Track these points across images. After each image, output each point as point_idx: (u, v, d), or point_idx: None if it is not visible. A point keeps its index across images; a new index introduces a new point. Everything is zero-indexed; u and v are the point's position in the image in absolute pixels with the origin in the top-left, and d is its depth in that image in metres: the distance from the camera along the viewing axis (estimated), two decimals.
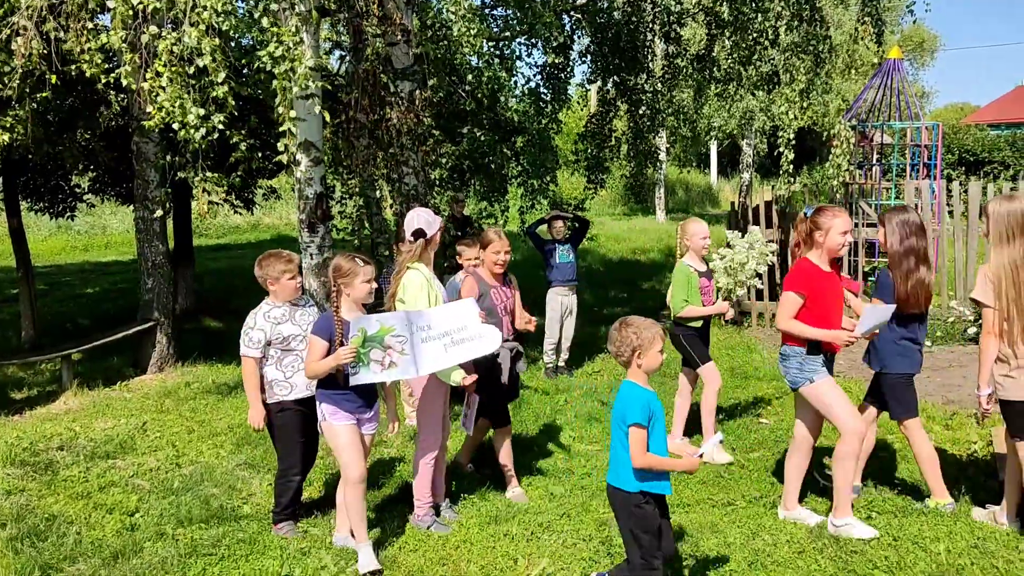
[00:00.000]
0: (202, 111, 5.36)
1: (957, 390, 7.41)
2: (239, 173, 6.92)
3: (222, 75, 5.21)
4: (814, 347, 4.50)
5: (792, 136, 9.80)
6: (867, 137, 13.40)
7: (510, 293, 5.44)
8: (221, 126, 5.42)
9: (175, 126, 5.42)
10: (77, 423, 6.92)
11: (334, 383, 4.29)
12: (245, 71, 8.58)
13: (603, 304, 12.31)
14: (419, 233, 4.75)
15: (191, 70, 5.33)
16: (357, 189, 8.75)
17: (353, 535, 4.38)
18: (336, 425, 4.31)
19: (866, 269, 12.06)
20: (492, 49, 9.46)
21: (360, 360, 4.22)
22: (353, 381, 4.24)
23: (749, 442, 6.21)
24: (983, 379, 4.36)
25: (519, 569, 4.28)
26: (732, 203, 11.16)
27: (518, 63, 8.93)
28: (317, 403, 4.38)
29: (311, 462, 5.02)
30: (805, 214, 4.68)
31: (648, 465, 3.51)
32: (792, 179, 11.91)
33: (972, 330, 9.08)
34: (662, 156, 24.39)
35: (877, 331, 4.59)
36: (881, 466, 5.57)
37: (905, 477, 5.41)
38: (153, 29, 5.41)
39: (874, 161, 13.56)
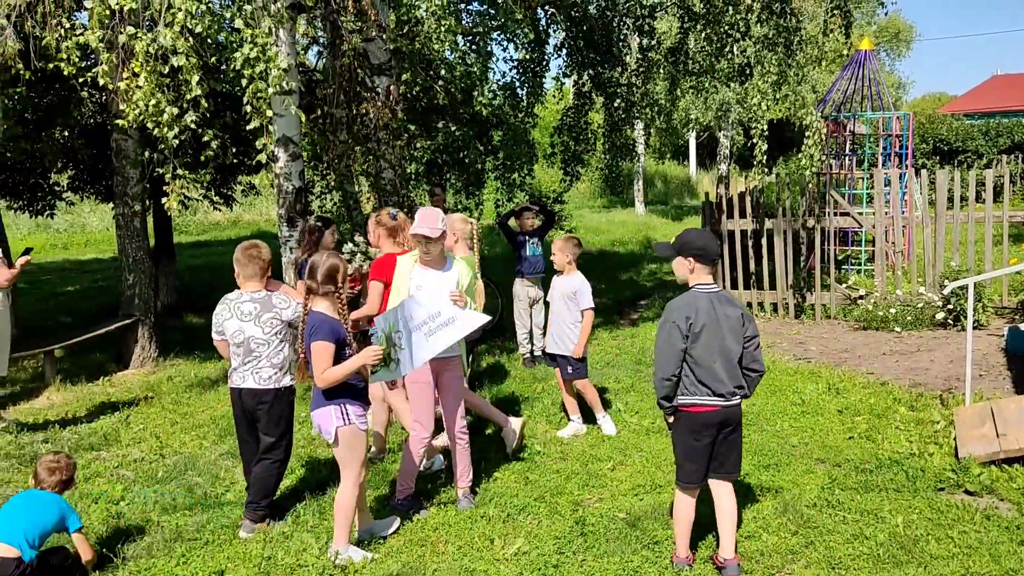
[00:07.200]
0: (176, 110, 5.45)
1: (924, 373, 7.63)
2: (210, 170, 6.99)
3: (196, 77, 5.30)
4: None
5: (765, 127, 9.96)
6: (842, 127, 13.65)
7: None
8: (194, 125, 5.50)
9: (148, 124, 5.50)
10: (61, 417, 6.99)
11: (348, 382, 4.23)
12: (223, 67, 8.65)
13: None
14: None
15: (166, 69, 5.42)
16: (335, 184, 8.85)
17: (340, 536, 4.35)
18: (362, 431, 4.28)
19: (839, 257, 12.30)
20: (466, 44, 9.58)
21: (385, 358, 4.29)
22: (373, 380, 4.30)
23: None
24: None
25: (495, 549, 4.44)
26: (706, 194, 11.34)
27: (493, 58, 9.06)
28: (335, 407, 4.21)
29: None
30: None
31: None
32: (767, 170, 12.11)
33: (940, 315, 9.32)
34: (639, 148, 24.61)
35: None
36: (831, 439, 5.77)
37: (873, 455, 5.60)
38: (130, 29, 5.49)
39: (848, 151, 13.81)
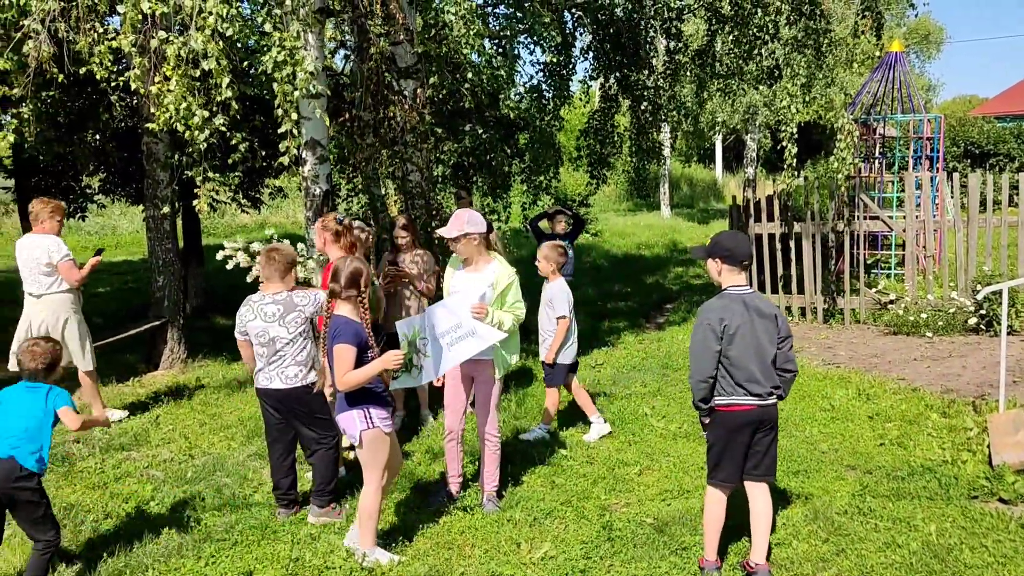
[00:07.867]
0: (206, 113, 5.50)
1: (956, 379, 7.51)
2: (238, 173, 7.03)
3: (226, 80, 5.35)
4: None
5: (794, 130, 9.85)
6: (871, 130, 13.48)
7: None
8: (223, 128, 5.55)
9: (178, 127, 5.56)
10: None
11: (368, 387, 4.22)
12: (251, 71, 8.71)
13: (607, 299, 12.43)
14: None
15: (196, 73, 5.47)
16: (362, 187, 8.88)
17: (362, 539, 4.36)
18: (387, 433, 4.28)
19: (869, 262, 12.15)
20: (493, 47, 9.58)
21: (407, 365, 4.29)
22: (394, 386, 4.30)
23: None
24: None
25: (522, 553, 4.42)
26: (733, 198, 11.25)
27: (519, 61, 9.06)
28: (358, 411, 4.21)
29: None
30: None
31: None
32: (796, 173, 11.99)
33: (972, 320, 9.17)
34: (665, 151, 24.51)
35: None
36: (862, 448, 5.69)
37: (905, 460, 5.52)
38: (162, 34, 5.55)
39: (878, 154, 13.63)
